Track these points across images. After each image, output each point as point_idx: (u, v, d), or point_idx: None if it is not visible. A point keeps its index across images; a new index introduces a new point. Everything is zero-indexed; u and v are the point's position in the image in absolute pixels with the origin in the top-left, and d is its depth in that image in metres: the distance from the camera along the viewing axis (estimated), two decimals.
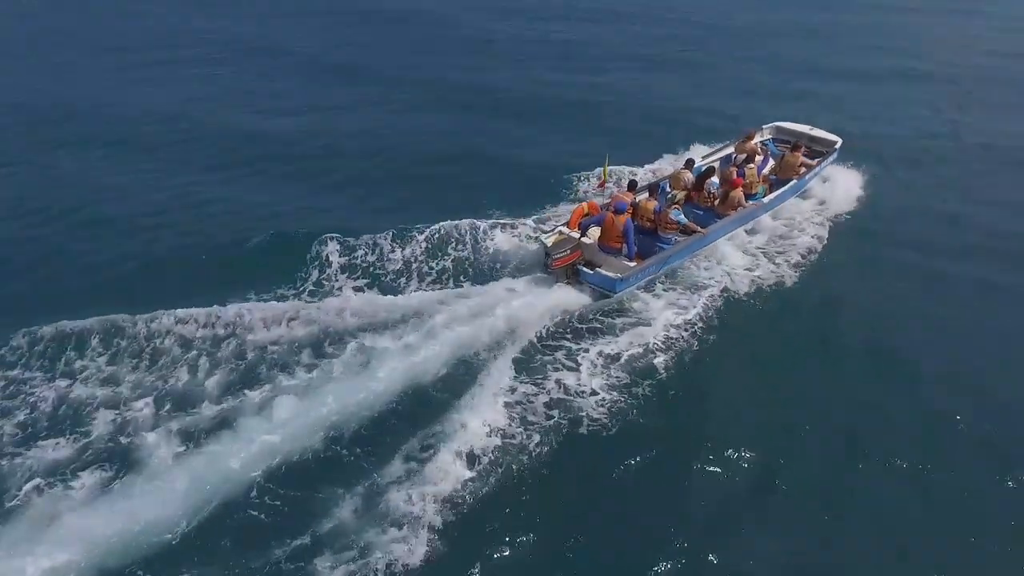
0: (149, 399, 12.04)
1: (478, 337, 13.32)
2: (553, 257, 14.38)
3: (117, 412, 11.76)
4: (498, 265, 15.82)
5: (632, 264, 14.71)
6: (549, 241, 14.77)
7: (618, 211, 14.78)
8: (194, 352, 13.01)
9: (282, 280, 15.03)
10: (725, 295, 15.02)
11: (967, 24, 41.64)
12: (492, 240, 16.37)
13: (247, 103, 26.27)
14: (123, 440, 11.30)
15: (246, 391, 12.17)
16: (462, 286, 15.14)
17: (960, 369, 13.70)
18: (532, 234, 16.55)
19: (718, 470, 11.25)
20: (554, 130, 24.38)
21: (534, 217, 17.43)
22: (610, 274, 14.35)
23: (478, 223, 16.65)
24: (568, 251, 14.52)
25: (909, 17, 42.31)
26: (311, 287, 15.03)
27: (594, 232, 15.18)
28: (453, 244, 16.30)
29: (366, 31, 36.64)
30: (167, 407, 11.89)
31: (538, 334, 13.66)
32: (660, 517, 10.45)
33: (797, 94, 28.00)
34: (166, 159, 21.76)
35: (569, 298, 14.49)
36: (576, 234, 15.08)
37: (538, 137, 23.73)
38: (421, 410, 12.00)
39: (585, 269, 14.66)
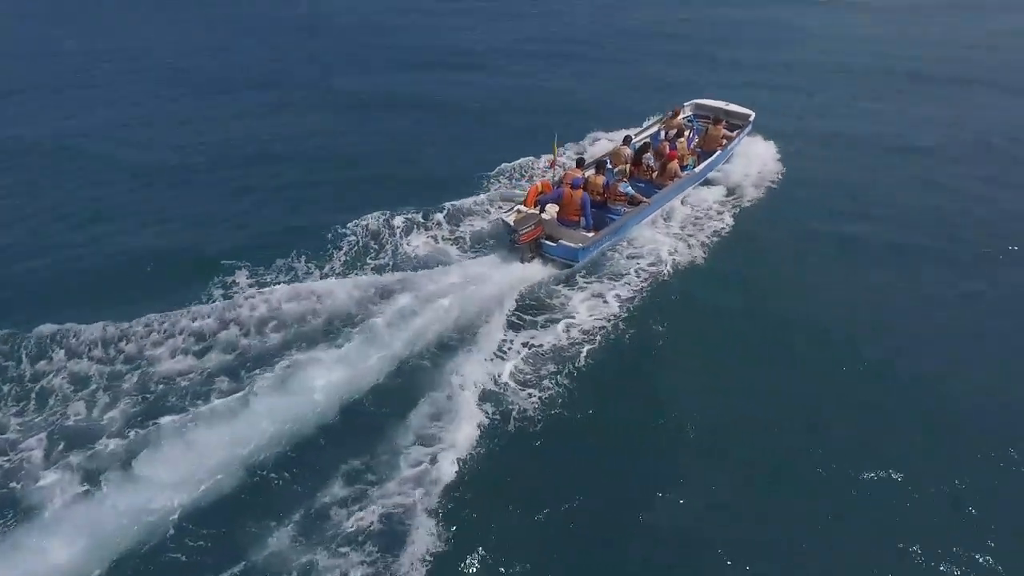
0: (42, 434, 11.03)
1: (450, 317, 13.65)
2: (520, 232, 15.13)
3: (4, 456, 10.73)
4: (419, 255, 16.19)
5: (590, 235, 15.44)
6: (511, 219, 15.39)
7: (575, 186, 15.95)
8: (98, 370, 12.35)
9: (185, 296, 14.38)
10: (649, 281, 15.48)
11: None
12: (406, 238, 16.72)
13: (125, 119, 25.72)
14: (12, 484, 10.32)
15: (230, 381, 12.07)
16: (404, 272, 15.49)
17: (872, 331, 14.46)
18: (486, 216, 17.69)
19: (655, 448, 11.48)
20: (459, 128, 25.06)
21: (445, 212, 17.74)
22: (572, 245, 15.09)
23: (394, 219, 16.99)
24: (532, 226, 15.33)
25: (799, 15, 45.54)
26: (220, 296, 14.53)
27: (551, 209, 15.86)
28: (372, 244, 16.45)
29: (257, 40, 37.15)
30: (63, 443, 10.95)
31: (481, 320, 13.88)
32: (594, 502, 10.47)
33: (703, 85, 29.22)
34: (44, 183, 20.80)
35: (532, 272, 15.04)
36: (536, 211, 15.82)
37: (445, 137, 24.28)
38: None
39: (548, 242, 15.32)
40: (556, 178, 17.14)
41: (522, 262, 15.25)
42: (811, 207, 19.33)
